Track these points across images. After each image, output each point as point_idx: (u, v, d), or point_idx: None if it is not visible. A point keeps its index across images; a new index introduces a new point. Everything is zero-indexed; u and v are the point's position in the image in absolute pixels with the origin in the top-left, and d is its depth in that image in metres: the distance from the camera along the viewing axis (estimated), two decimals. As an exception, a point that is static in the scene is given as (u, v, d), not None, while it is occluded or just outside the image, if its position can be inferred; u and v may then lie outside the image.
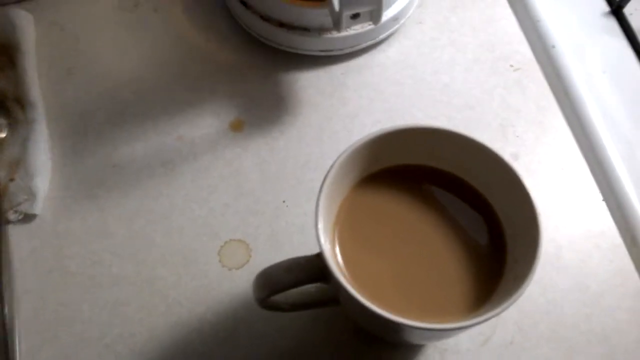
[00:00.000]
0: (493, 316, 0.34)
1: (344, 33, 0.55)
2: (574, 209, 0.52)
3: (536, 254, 0.36)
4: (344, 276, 0.36)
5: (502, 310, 0.34)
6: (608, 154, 0.54)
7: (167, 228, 0.51)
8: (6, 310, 0.47)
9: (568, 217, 0.52)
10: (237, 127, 0.55)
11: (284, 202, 0.52)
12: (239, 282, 0.49)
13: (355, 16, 0.49)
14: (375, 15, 0.49)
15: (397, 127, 0.40)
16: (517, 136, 0.55)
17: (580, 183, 0.53)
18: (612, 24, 0.62)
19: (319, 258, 0.38)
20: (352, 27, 0.55)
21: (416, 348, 0.47)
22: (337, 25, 0.49)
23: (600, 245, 0.51)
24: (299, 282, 0.39)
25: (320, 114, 0.56)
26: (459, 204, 0.42)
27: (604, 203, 0.53)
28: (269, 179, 0.53)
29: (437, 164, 0.43)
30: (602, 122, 0.56)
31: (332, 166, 0.38)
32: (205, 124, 0.55)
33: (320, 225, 0.37)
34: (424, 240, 0.41)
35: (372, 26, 0.55)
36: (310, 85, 0.57)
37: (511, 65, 0.58)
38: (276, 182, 0.53)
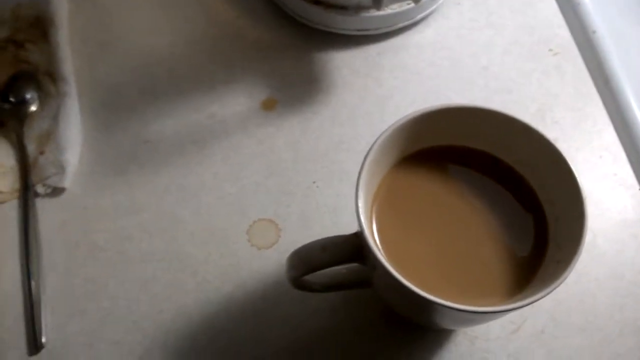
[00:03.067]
0: (537, 299, 0.33)
1: (381, 12, 0.54)
2: (611, 197, 0.51)
3: (581, 238, 0.35)
4: (382, 255, 0.36)
5: (546, 294, 0.34)
6: (647, 142, 0.53)
7: (197, 206, 0.50)
8: (33, 283, 0.47)
9: (604, 206, 0.51)
10: (269, 106, 0.54)
11: (314, 182, 0.51)
12: (268, 262, 0.48)
13: (395, -6, 0.48)
14: (416, -6, 0.48)
15: (439, 106, 0.39)
16: (555, 122, 0.54)
17: (618, 171, 0.52)
18: (654, 10, 0.60)
19: (356, 237, 0.37)
20: (390, 7, 0.54)
21: (446, 334, 0.46)
22: (377, 4, 0.49)
23: (637, 234, 0.50)
24: (335, 262, 0.38)
25: (355, 94, 0.55)
26: (499, 186, 0.41)
27: (641, 192, 0.52)
28: (301, 159, 0.52)
29: (477, 145, 0.42)
30: (642, 110, 0.55)
31: (373, 144, 0.38)
32: (237, 102, 0.55)
33: (360, 204, 0.36)
34: (463, 222, 0.40)
35: (410, 5, 0.54)
36: (345, 65, 0.56)
37: (550, 50, 0.57)
38: (308, 162, 0.52)
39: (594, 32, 0.58)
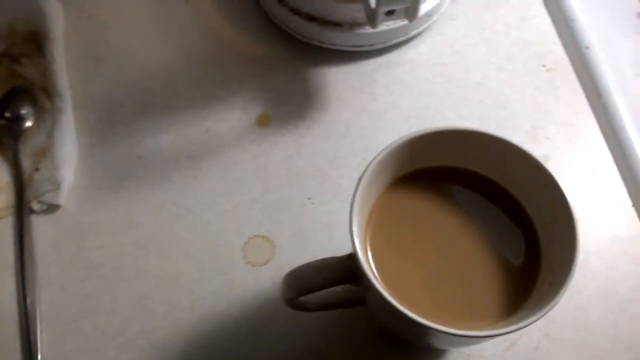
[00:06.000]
0: (530, 323, 0.34)
1: (375, 29, 0.54)
2: (603, 214, 0.51)
3: (573, 262, 0.35)
4: (375, 278, 0.36)
5: (539, 318, 0.34)
6: (639, 159, 0.53)
7: (192, 222, 0.50)
8: (29, 300, 0.47)
9: (597, 222, 0.51)
10: (264, 121, 0.55)
11: (309, 199, 0.51)
12: (263, 279, 0.48)
13: (390, 13, 0.48)
14: (411, 13, 0.48)
15: (432, 129, 0.39)
16: (548, 138, 0.54)
17: (610, 188, 0.52)
18: (647, 26, 0.61)
19: (350, 259, 0.38)
20: (385, 23, 0.54)
21: (440, 352, 0.46)
22: (371, 21, 0.49)
23: (629, 251, 0.50)
24: (329, 284, 0.38)
25: (349, 110, 0.55)
26: (492, 207, 0.41)
27: (633, 209, 0.52)
28: (296, 175, 0.52)
29: (471, 166, 0.42)
30: (635, 126, 0.55)
31: (367, 167, 0.38)
32: (232, 118, 0.55)
33: (355, 228, 0.36)
34: (456, 243, 0.40)
35: (404, 22, 0.54)
36: (340, 80, 0.56)
37: (544, 65, 0.57)
38: (303, 178, 0.52)
39: (587, 47, 0.58)
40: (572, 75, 0.57)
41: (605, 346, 0.47)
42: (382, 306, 0.36)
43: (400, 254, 0.40)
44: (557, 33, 0.59)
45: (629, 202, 0.52)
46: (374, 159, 0.38)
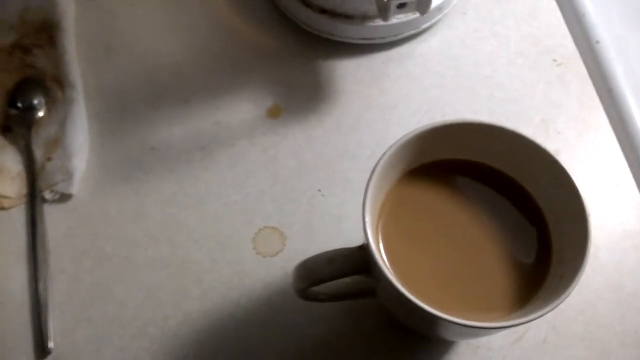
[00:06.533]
0: (540, 316, 0.34)
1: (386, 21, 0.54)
2: (613, 208, 0.52)
3: (584, 255, 0.35)
4: (387, 269, 0.36)
5: (549, 311, 0.34)
6: (649, 153, 0.54)
7: (203, 213, 0.51)
8: (41, 288, 0.47)
9: (606, 217, 0.51)
10: (274, 113, 0.55)
11: (319, 190, 0.52)
12: (273, 270, 0.49)
13: (401, 5, 0.48)
14: (422, 6, 0.48)
15: (445, 121, 0.40)
16: (559, 132, 0.54)
17: (620, 182, 0.53)
18: (658, 20, 0.61)
19: (361, 250, 0.38)
20: (396, 16, 0.54)
21: (449, 343, 0.46)
22: (383, 14, 0.49)
23: (638, 245, 0.50)
24: (340, 274, 0.38)
25: (359, 103, 0.55)
26: (504, 200, 0.41)
27: (643, 203, 0.52)
28: (305, 167, 0.53)
29: (482, 159, 0.42)
30: (645, 121, 0.55)
31: (379, 160, 0.38)
32: (242, 110, 0.55)
33: (367, 219, 0.36)
34: (467, 236, 0.40)
35: (416, 15, 0.54)
36: (350, 73, 0.57)
37: (554, 60, 0.57)
38: (312, 171, 0.52)
39: (597, 42, 0.58)
40: (582, 70, 0.57)
41: (613, 340, 0.47)
42: (393, 296, 0.36)
43: (412, 245, 0.40)
44: (567, 28, 0.59)
45: (638, 197, 0.52)
46: (385, 151, 0.38)
